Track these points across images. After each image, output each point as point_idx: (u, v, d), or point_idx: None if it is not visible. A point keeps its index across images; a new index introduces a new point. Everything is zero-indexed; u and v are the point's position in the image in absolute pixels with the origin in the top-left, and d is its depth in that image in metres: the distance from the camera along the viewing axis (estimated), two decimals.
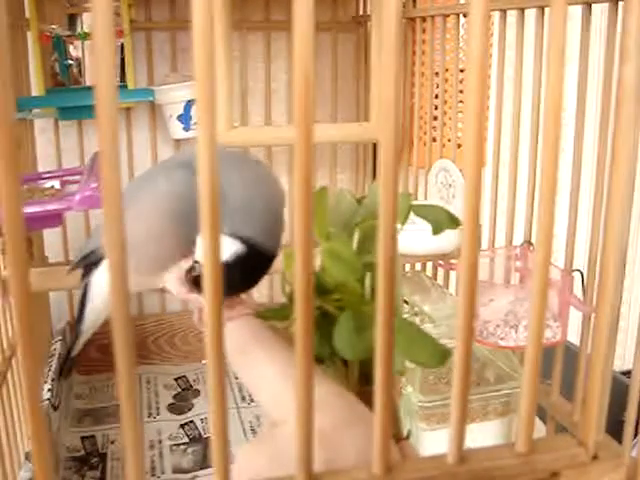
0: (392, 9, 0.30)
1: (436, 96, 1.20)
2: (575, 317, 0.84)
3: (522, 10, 0.92)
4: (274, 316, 0.57)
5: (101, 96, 0.28)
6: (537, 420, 0.96)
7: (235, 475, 0.43)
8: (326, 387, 0.49)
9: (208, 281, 0.30)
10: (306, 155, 0.30)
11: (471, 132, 0.33)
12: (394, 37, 0.30)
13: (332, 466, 0.39)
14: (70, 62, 1.35)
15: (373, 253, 0.52)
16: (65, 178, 1.00)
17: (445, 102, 1.19)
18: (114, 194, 0.29)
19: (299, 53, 0.29)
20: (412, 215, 0.57)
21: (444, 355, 0.50)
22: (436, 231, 0.51)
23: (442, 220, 0.55)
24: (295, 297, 0.32)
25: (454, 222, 0.55)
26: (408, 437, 0.60)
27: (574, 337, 0.94)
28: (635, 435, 0.79)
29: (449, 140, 1.21)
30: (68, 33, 1.34)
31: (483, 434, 0.87)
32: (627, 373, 0.92)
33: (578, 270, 0.86)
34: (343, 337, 0.51)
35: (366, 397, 0.47)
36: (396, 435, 0.58)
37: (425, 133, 1.26)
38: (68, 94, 1.30)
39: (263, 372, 0.52)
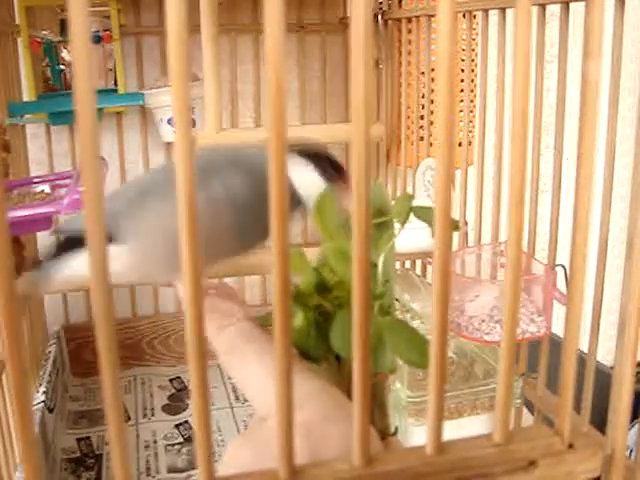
0: (360, 12, 0.31)
1: (423, 95, 1.21)
2: (563, 311, 0.85)
3: (503, 10, 0.93)
4: (267, 320, 0.59)
5: (80, 97, 0.29)
6: (526, 412, 0.97)
7: (223, 468, 0.44)
8: (312, 382, 0.50)
9: (187, 278, 0.31)
10: (278, 162, 0.31)
11: (443, 129, 0.34)
12: (363, 38, 0.31)
13: (317, 459, 0.40)
14: (62, 67, 1.36)
15: (373, 250, 0.53)
16: (55, 182, 1.01)
17: (432, 101, 1.20)
18: (95, 195, 0.30)
19: (270, 56, 0.30)
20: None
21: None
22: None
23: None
24: (274, 294, 0.33)
25: (453, 225, 0.56)
26: (395, 433, 0.61)
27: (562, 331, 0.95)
28: (631, 420, 0.80)
29: (436, 139, 1.22)
30: (60, 39, 1.35)
31: (472, 428, 0.87)
32: None
33: (561, 265, 0.87)
34: (339, 335, 0.51)
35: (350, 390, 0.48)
36: (384, 431, 0.59)
37: (412, 132, 1.27)
38: (59, 99, 1.30)
39: (252, 370, 0.53)
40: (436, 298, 0.37)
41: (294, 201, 0.58)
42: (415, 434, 0.86)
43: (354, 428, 0.38)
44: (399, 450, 0.42)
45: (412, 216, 0.58)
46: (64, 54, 1.36)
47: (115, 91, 1.34)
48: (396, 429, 0.61)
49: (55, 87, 1.35)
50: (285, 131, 0.32)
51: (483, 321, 0.82)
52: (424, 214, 0.57)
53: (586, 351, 0.81)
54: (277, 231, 0.32)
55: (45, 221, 0.79)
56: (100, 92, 1.31)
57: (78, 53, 0.28)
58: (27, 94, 1.29)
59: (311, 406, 0.48)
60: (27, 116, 1.29)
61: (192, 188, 0.30)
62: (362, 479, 0.39)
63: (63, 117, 1.28)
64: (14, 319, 0.30)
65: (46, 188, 0.98)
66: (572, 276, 0.41)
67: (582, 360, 0.76)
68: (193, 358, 0.33)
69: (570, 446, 0.43)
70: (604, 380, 0.81)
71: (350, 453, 0.39)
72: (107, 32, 1.32)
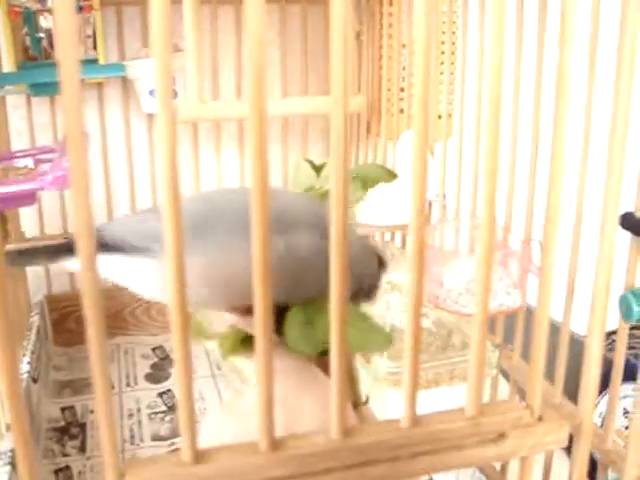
0: None
1: (403, 68, 1.22)
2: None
3: None
4: None
5: (65, 67, 0.29)
6: (503, 381, 0.99)
7: (202, 440, 0.45)
8: (282, 357, 0.52)
9: (170, 263, 0.33)
10: (260, 132, 0.32)
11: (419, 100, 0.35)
12: (341, 9, 0.32)
13: (291, 430, 0.42)
14: (41, 35, 1.35)
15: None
16: (38, 157, 1.01)
17: (412, 74, 1.20)
18: (81, 172, 0.31)
19: (251, 26, 0.31)
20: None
21: (388, 340, 0.53)
22: (367, 185, 0.53)
23: (378, 175, 0.56)
24: (254, 283, 0.34)
25: (391, 176, 0.58)
26: (367, 402, 0.62)
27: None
28: (600, 392, 0.82)
29: None
30: (39, 6, 1.34)
31: (449, 398, 0.89)
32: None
33: (537, 240, 0.88)
34: (295, 332, 0.52)
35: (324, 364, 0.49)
36: (355, 401, 0.61)
37: (393, 105, 1.28)
38: (40, 70, 1.29)
39: None
40: (411, 268, 0.38)
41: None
42: (395, 404, 0.87)
43: (331, 402, 0.40)
44: (375, 423, 0.44)
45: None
46: (41, 20, 1.35)
47: (96, 61, 1.33)
48: (367, 398, 0.62)
49: (34, 56, 1.34)
50: (265, 106, 0.33)
51: (460, 294, 0.84)
52: (360, 170, 0.58)
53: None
54: (259, 205, 0.33)
55: (29, 197, 0.79)
56: (80, 63, 1.30)
57: (62, 25, 0.29)
58: (6, 64, 1.29)
59: (284, 379, 0.49)
60: (7, 87, 1.28)
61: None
62: (339, 451, 0.41)
63: (44, 88, 1.27)
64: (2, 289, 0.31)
65: (29, 163, 0.98)
66: (543, 245, 0.43)
67: (557, 329, 0.78)
68: (176, 328, 0.34)
69: (539, 418, 0.45)
70: (579, 348, 0.82)
71: (327, 426, 0.41)
72: (87, 2, 1.31)
